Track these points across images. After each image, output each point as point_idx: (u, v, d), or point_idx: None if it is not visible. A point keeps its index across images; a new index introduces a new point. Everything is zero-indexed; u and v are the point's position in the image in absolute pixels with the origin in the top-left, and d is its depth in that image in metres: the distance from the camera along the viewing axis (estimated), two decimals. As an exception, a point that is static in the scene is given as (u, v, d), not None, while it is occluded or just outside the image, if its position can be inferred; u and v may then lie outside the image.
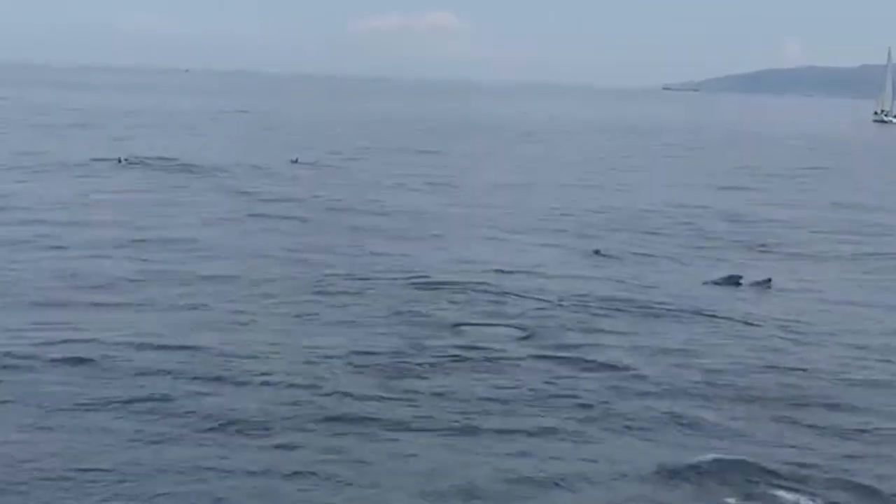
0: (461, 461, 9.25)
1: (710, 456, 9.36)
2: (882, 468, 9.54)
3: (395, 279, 17.12)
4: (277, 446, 9.47)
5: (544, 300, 16.00)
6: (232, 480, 8.69)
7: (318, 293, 15.85)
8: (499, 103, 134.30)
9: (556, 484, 8.87)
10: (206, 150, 40.90)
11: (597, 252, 20.27)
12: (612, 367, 12.42)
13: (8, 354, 11.76)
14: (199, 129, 55.27)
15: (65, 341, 12.39)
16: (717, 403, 11.28)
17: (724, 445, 9.90)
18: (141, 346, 12.35)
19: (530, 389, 11.42)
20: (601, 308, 15.65)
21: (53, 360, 11.61)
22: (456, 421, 10.26)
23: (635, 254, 21.04)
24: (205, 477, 8.73)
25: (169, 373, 11.32)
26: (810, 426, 10.70)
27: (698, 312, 15.61)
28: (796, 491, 8.80)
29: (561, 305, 15.75)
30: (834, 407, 11.39)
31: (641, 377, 11.96)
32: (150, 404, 10.39)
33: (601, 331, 14.35)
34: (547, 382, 11.72)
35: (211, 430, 9.80)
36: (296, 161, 36.79)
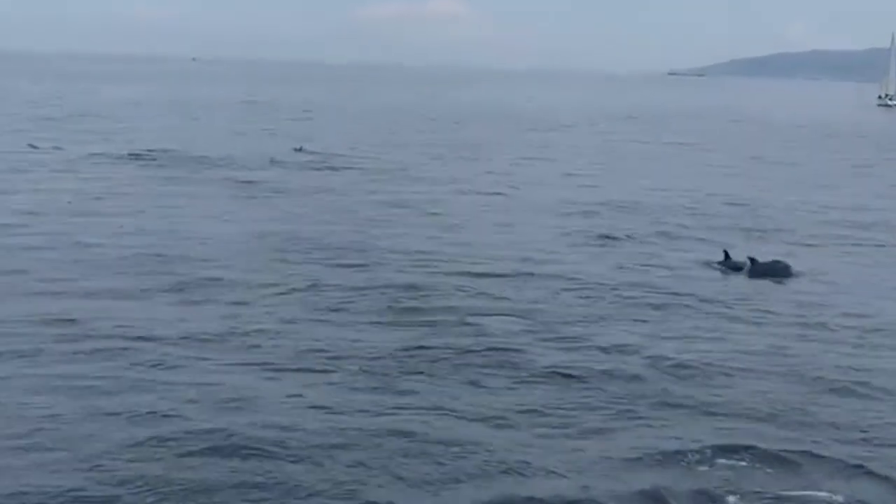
0: (466, 455, 9.15)
1: (720, 442, 9.32)
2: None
3: (402, 268, 17.10)
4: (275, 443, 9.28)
5: (556, 288, 15.95)
6: (227, 480, 8.55)
7: (316, 284, 15.72)
8: (503, 90, 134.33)
9: (562, 475, 8.83)
10: (210, 139, 41.04)
11: (607, 240, 20.17)
12: (621, 352, 12.36)
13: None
14: (205, 118, 55.37)
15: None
16: (727, 389, 11.22)
17: (735, 432, 9.83)
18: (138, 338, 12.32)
19: (539, 382, 11.30)
20: (612, 295, 15.63)
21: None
22: (463, 415, 10.14)
23: (645, 241, 21.01)
24: (204, 478, 8.58)
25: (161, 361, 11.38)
26: (826, 414, 10.59)
27: (709, 299, 15.60)
28: (810, 483, 8.71)
29: (570, 292, 15.71)
30: (849, 394, 11.25)
31: (655, 367, 11.86)
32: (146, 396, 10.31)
33: (611, 318, 14.27)
34: (557, 373, 11.61)
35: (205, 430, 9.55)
36: (300, 149, 36.79)
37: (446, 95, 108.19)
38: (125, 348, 11.93)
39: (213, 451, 8.94)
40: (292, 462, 8.83)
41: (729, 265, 17.94)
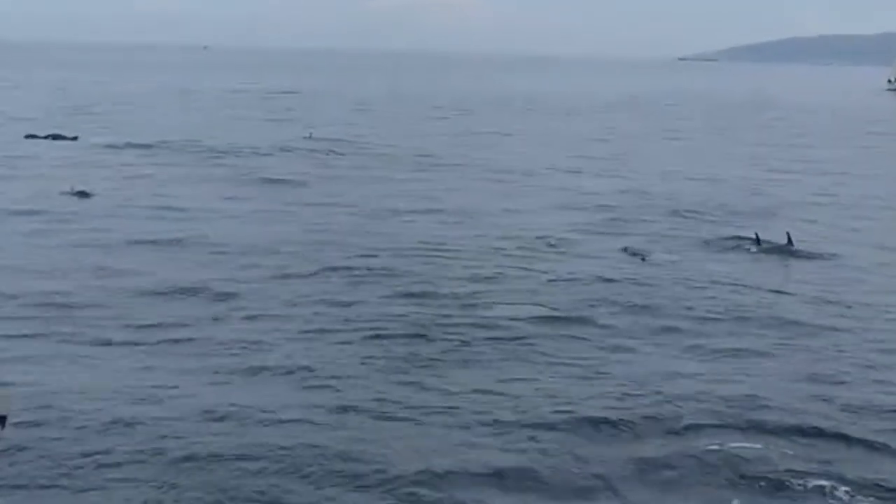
0: (478, 452, 9.05)
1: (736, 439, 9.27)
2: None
3: (413, 253, 17.16)
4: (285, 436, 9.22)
5: (568, 277, 15.85)
6: (239, 469, 8.55)
7: (328, 269, 15.81)
8: (510, 77, 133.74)
9: (573, 475, 8.74)
10: (215, 126, 41.20)
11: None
12: (633, 350, 12.23)
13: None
14: (207, 106, 55.39)
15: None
16: (743, 381, 11.11)
17: (751, 426, 9.75)
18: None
19: (552, 374, 11.21)
20: (626, 284, 15.47)
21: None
22: (474, 412, 10.00)
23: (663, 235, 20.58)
24: (213, 468, 8.55)
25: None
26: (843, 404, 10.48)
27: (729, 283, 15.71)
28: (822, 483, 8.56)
29: (584, 281, 15.58)
30: (867, 384, 11.16)
31: (673, 367, 11.68)
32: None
33: (626, 307, 14.13)
34: (570, 365, 11.51)
35: (219, 418, 9.63)
36: (310, 136, 36.98)
37: (446, 82, 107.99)
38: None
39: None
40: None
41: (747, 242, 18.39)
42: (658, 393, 10.60)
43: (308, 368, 11.04)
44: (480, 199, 24.38)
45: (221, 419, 9.55)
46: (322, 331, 12.46)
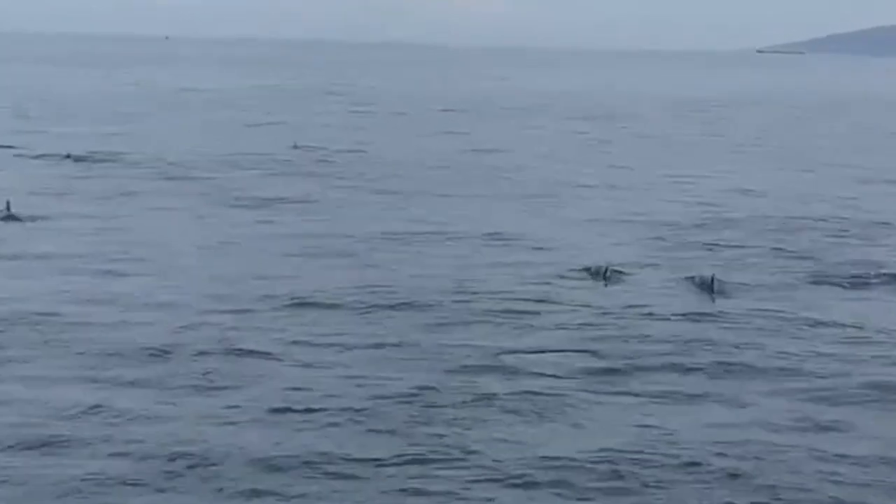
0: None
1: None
2: None
3: (422, 288, 17.25)
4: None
5: (619, 315, 15.81)
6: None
7: (323, 305, 16.04)
8: (553, 75, 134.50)
9: None
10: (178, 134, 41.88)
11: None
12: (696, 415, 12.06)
13: None
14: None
15: None
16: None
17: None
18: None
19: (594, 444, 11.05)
20: (692, 325, 15.39)
21: None
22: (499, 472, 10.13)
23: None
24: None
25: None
26: None
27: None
28: None
29: (638, 321, 15.55)
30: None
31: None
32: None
33: (688, 357, 13.96)
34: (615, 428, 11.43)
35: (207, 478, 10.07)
36: (295, 146, 37.62)
37: (470, 78, 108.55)
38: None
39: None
40: None
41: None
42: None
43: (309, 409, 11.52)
44: (514, 220, 24.56)
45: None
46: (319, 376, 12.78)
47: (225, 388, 12.46)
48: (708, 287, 17.44)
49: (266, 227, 23.19)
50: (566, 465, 10.33)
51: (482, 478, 10.07)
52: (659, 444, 10.89)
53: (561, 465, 10.31)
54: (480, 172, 32.84)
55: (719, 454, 10.71)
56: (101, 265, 18.85)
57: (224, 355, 13.60)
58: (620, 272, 18.52)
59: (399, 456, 10.45)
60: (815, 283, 18.52)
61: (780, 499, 9.82)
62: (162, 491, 9.82)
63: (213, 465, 10.29)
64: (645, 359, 13.76)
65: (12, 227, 22.34)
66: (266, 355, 13.69)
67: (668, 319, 15.67)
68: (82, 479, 9.98)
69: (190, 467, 10.22)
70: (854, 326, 15.48)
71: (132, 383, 12.49)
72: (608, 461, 10.39)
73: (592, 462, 10.42)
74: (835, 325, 15.63)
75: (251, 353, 13.73)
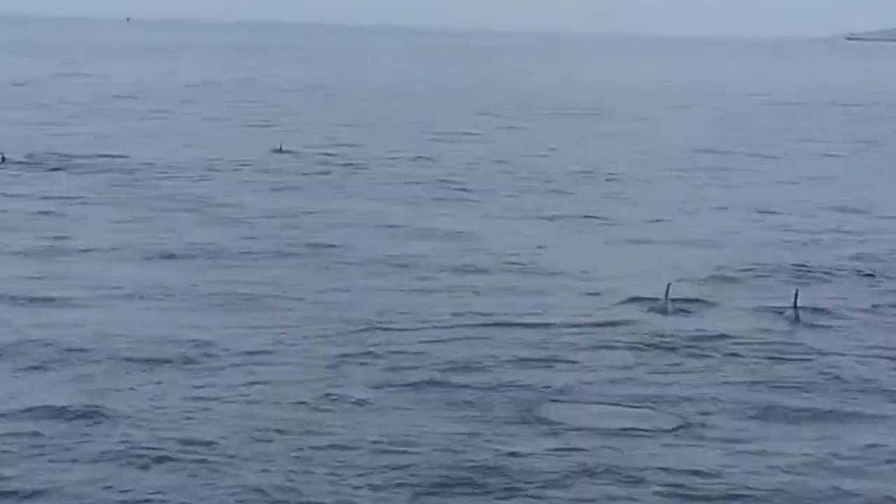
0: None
1: None
2: None
3: (444, 324, 17.32)
4: None
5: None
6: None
7: (328, 343, 16.09)
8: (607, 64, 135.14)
9: None
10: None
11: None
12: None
13: None
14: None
15: None
16: None
17: None
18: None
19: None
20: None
21: None
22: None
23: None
24: None
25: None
26: None
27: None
28: None
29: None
30: None
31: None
32: None
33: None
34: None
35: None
36: (279, 149, 38.47)
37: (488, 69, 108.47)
38: None
39: None
40: None
41: None
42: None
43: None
44: (545, 242, 24.47)
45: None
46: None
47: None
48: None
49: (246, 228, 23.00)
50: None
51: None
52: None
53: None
54: (503, 183, 33.17)
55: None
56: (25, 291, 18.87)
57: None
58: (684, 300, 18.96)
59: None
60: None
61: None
62: None
63: None
64: (703, 406, 13.85)
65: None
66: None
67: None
68: None
69: None
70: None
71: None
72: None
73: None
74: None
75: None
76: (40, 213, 26.38)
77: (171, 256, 21.77)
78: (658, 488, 11.31)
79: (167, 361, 15.00)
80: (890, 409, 13.84)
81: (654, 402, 13.77)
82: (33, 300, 18.25)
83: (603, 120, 57.10)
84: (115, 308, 18.31)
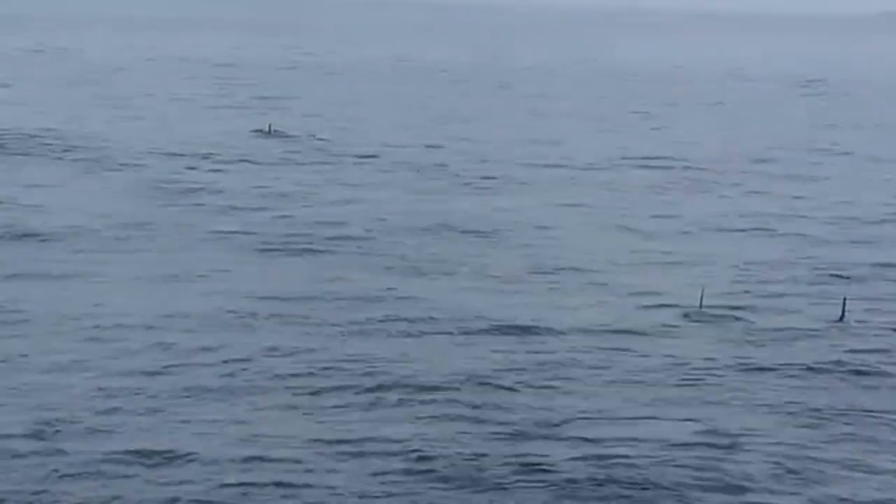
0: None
1: None
2: None
3: (449, 330, 17.01)
4: None
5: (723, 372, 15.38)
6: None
7: (326, 366, 15.32)
8: (655, 42, 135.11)
9: None
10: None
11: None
12: None
13: None
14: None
15: None
16: None
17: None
18: None
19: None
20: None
21: None
22: None
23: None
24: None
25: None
26: None
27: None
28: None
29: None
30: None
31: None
32: None
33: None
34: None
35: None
36: (268, 130, 37.91)
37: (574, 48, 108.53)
38: None
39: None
40: None
41: None
42: None
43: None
44: (579, 238, 24.08)
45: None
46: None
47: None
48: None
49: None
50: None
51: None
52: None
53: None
54: (524, 171, 32.77)
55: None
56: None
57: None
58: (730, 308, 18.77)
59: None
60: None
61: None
62: None
63: None
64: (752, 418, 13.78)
65: None
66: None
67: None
68: None
69: None
70: None
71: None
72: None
73: None
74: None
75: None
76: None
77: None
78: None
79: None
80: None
81: (694, 413, 13.70)
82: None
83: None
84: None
